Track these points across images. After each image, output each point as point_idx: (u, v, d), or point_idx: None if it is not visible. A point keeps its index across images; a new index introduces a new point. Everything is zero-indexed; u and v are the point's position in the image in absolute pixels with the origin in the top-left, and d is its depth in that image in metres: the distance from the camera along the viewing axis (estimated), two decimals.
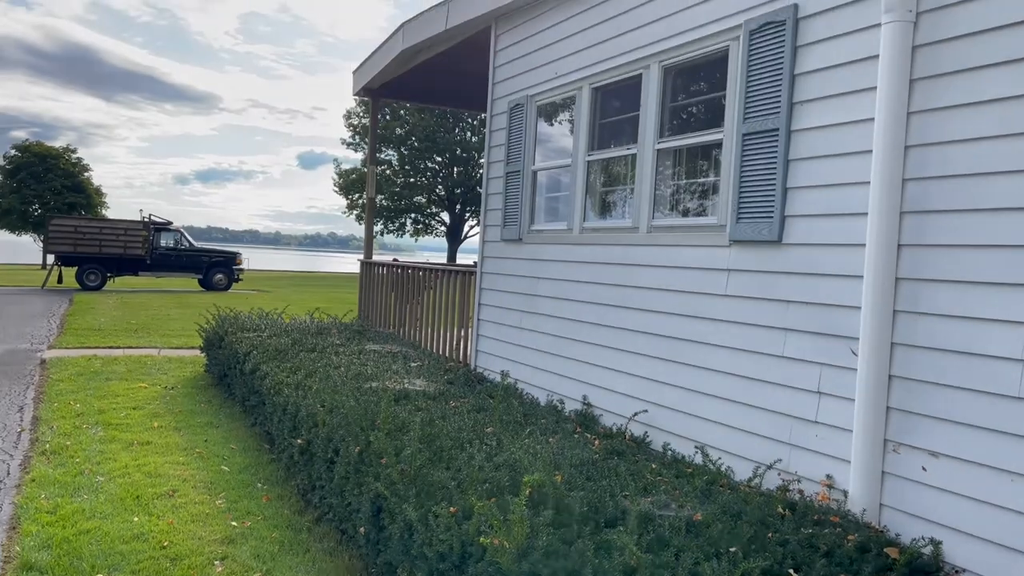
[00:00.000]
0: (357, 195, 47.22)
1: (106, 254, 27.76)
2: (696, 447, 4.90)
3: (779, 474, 4.38)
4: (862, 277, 3.94)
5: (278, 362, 7.29)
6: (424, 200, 47.41)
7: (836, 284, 4.17)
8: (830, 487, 4.09)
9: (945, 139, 3.68)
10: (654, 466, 4.56)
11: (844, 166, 4.16)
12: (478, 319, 8.11)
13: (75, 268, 27.76)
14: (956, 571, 3.48)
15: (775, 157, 4.56)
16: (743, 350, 4.74)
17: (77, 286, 27.36)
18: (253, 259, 67.56)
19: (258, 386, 7.10)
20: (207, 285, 29.75)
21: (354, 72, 11.71)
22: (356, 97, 11.79)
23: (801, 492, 4.18)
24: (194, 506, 5.39)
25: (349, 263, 73.50)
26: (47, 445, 6.71)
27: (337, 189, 48.93)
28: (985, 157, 3.52)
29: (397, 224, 49.10)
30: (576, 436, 5.15)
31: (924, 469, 3.68)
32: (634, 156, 5.84)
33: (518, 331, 7.28)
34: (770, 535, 3.50)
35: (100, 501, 5.35)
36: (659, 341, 5.41)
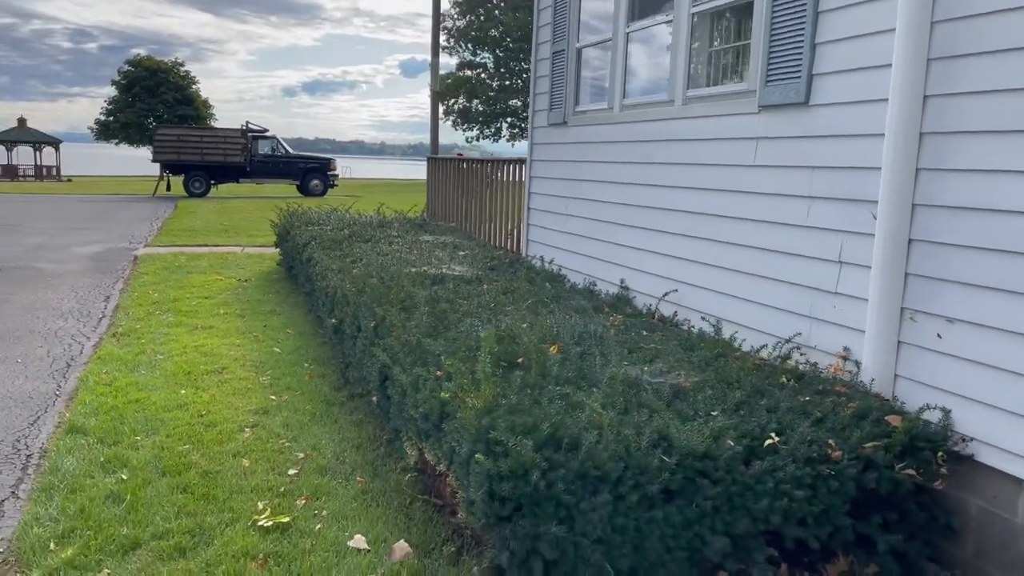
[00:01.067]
0: (453, 100, 46.97)
1: (208, 162, 28.86)
2: (715, 322, 4.77)
3: (799, 348, 4.21)
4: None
5: (331, 251, 7.46)
6: (520, 103, 46.67)
7: (860, 145, 3.88)
8: (844, 359, 3.90)
9: None
10: (666, 339, 4.46)
11: (872, 12, 3.80)
12: (528, 208, 8.02)
13: (182, 176, 29.04)
14: (964, 439, 3.30)
15: (804, 10, 4.21)
16: (769, 222, 4.51)
17: (184, 194, 28.64)
18: (355, 168, 68.98)
19: (312, 273, 7.31)
20: (304, 191, 30.58)
21: None
22: None
23: (815, 364, 4.02)
24: (239, 381, 5.67)
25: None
26: (120, 328, 7.16)
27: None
28: None
29: (493, 129, 48.71)
30: (601, 315, 5.08)
31: (939, 336, 3.46)
32: (671, 24, 5.52)
33: (564, 218, 7.16)
34: (762, 402, 3.40)
35: (154, 376, 5.70)
36: (691, 218, 5.22)
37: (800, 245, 4.27)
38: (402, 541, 3.42)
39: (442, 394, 3.09)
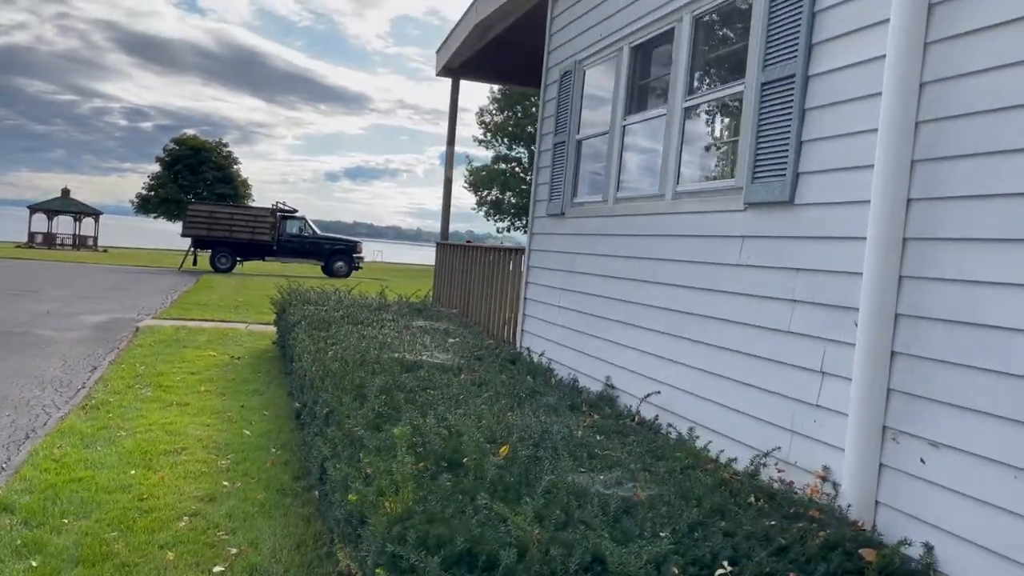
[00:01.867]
0: (487, 191, 47.69)
1: (236, 238, 29.25)
2: (691, 428, 4.44)
3: (776, 464, 3.86)
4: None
5: (316, 331, 7.25)
6: None
7: (844, 248, 3.62)
8: (823, 479, 3.54)
9: (964, 71, 3.08)
10: (635, 445, 4.13)
11: (857, 111, 3.60)
12: (524, 298, 7.81)
13: (209, 252, 29.43)
14: None
15: (791, 106, 4.03)
16: (752, 325, 4.23)
17: (210, 269, 28.93)
18: (388, 252, 69.77)
19: (292, 354, 7.09)
20: (328, 271, 30.78)
21: (437, 51, 11.64)
22: (439, 76, 11.70)
23: (791, 483, 3.66)
24: (195, 464, 5.39)
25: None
26: (94, 400, 6.95)
27: (467, 185, 49.53)
28: (999, 91, 2.91)
29: (524, 221, 49.10)
30: (574, 415, 4.77)
31: (922, 461, 3.10)
32: (665, 119, 5.38)
33: (557, 310, 6.93)
34: (721, 524, 3.04)
35: (108, 453, 5.44)
36: (677, 317, 4.95)
37: (783, 352, 3.97)
38: None
39: (350, 496, 2.79)
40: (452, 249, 11.23)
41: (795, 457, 3.79)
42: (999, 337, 2.84)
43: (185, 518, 4.42)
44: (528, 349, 7.32)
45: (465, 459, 3.37)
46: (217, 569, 3.83)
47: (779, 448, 3.88)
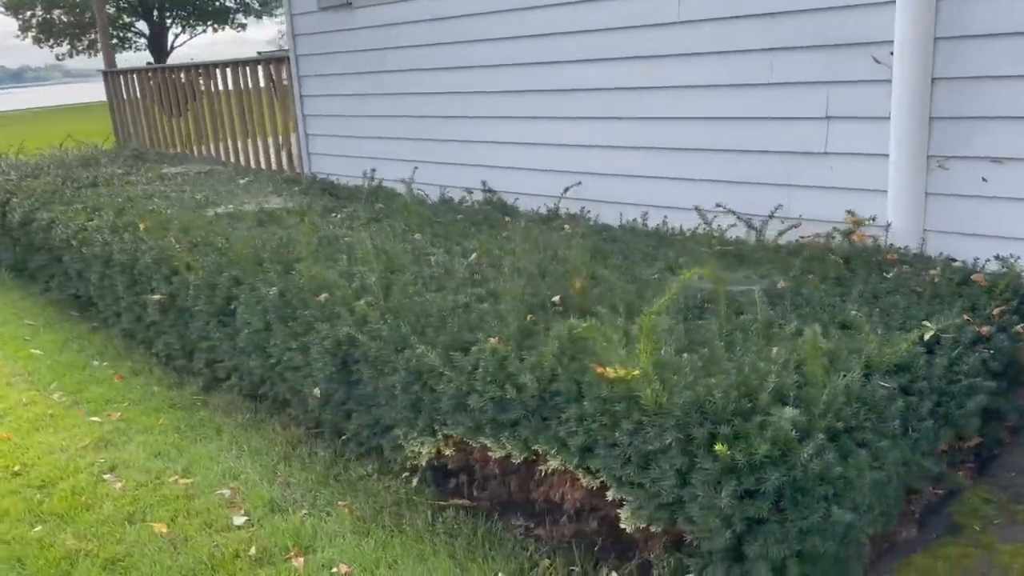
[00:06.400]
0: (30, 12, 39.29)
1: None
2: (644, 212, 4.19)
3: (781, 222, 3.77)
4: None
5: (60, 205, 5.50)
6: (113, 9, 40.06)
7: None
8: (857, 224, 3.54)
9: None
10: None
11: None
12: (303, 115, 6.65)
13: None
14: None
15: None
16: (711, 86, 3.95)
17: None
18: None
19: (44, 240, 5.34)
20: None
21: None
22: None
23: (816, 236, 3.59)
24: (25, 408, 3.92)
25: (41, 97, 61.54)
26: None
27: (3, 9, 40.28)
28: None
29: (86, 42, 41.64)
30: (495, 229, 4.22)
31: (984, 180, 3.20)
32: None
33: (369, 120, 5.99)
34: (859, 289, 2.90)
35: None
36: (592, 98, 4.47)
37: (765, 108, 3.78)
38: None
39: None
40: (132, 78, 9.13)
41: (801, 211, 3.73)
42: None
43: (106, 475, 3.22)
44: (330, 174, 6.34)
45: None
46: (239, 521, 2.87)
47: (780, 206, 3.79)
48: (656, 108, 4.20)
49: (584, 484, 2.26)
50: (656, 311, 2.06)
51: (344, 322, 2.94)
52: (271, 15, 50.31)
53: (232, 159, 7.82)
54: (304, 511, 2.95)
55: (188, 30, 42.00)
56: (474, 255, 3.48)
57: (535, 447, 2.37)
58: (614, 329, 2.21)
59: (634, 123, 4.30)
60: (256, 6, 42.38)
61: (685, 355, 2.17)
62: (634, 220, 4.16)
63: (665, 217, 4.08)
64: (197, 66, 8.44)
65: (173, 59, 41.17)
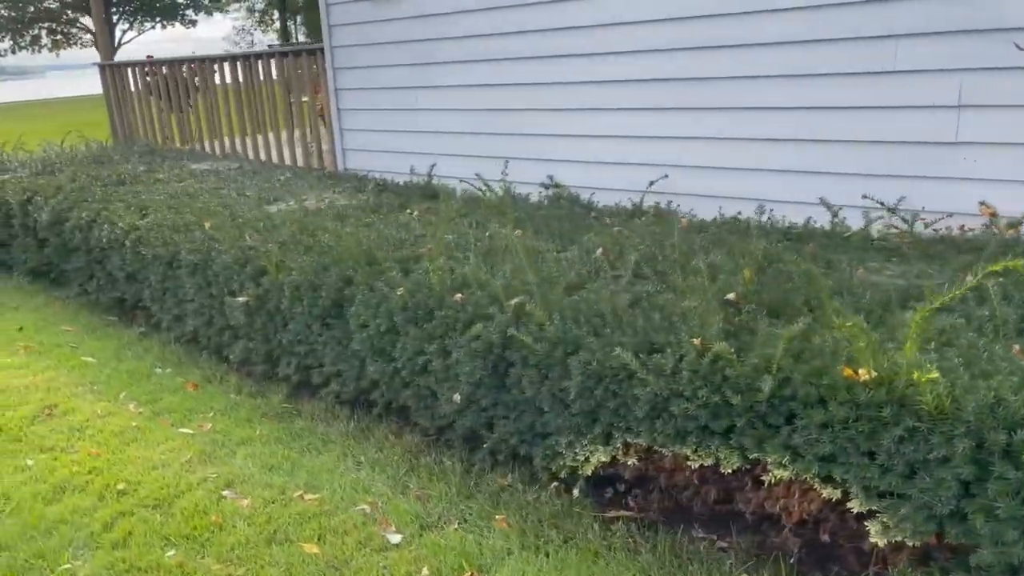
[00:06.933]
0: None
1: None
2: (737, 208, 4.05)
3: (900, 216, 3.65)
4: None
5: (95, 203, 5.18)
6: (57, 4, 38.63)
7: None
8: (992, 216, 3.46)
9: None
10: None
11: None
12: (337, 108, 6.39)
13: None
14: None
15: None
16: (832, 74, 3.84)
17: None
18: None
19: (83, 241, 5.02)
20: None
21: None
22: None
23: (962, 228, 3.49)
24: (103, 420, 3.64)
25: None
26: None
27: None
28: None
29: (28, 38, 40.07)
30: (599, 228, 4.06)
31: None
32: None
33: (416, 115, 5.78)
34: None
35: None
36: (691, 88, 4.33)
37: (888, 96, 3.67)
38: None
39: None
40: (134, 72, 8.74)
41: (925, 203, 3.62)
42: None
43: (225, 492, 2.98)
44: (368, 171, 6.10)
45: None
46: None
47: (903, 198, 3.68)
48: (770, 98, 4.06)
49: (823, 495, 2.11)
50: (939, 305, 1.92)
51: (498, 323, 2.75)
52: (223, 11, 49.24)
53: (252, 155, 7.51)
54: (454, 526, 2.76)
55: (136, 26, 40.85)
56: (599, 250, 3.31)
57: (754, 455, 2.22)
58: (861, 330, 2.06)
59: (743, 113, 4.16)
60: (206, 2, 41.47)
61: (944, 355, 2.04)
62: (739, 213, 4.02)
63: (771, 211, 3.95)
64: (209, 59, 8.10)
65: (121, 55, 39.88)
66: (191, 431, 3.53)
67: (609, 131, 4.70)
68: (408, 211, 4.48)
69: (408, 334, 3.04)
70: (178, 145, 8.25)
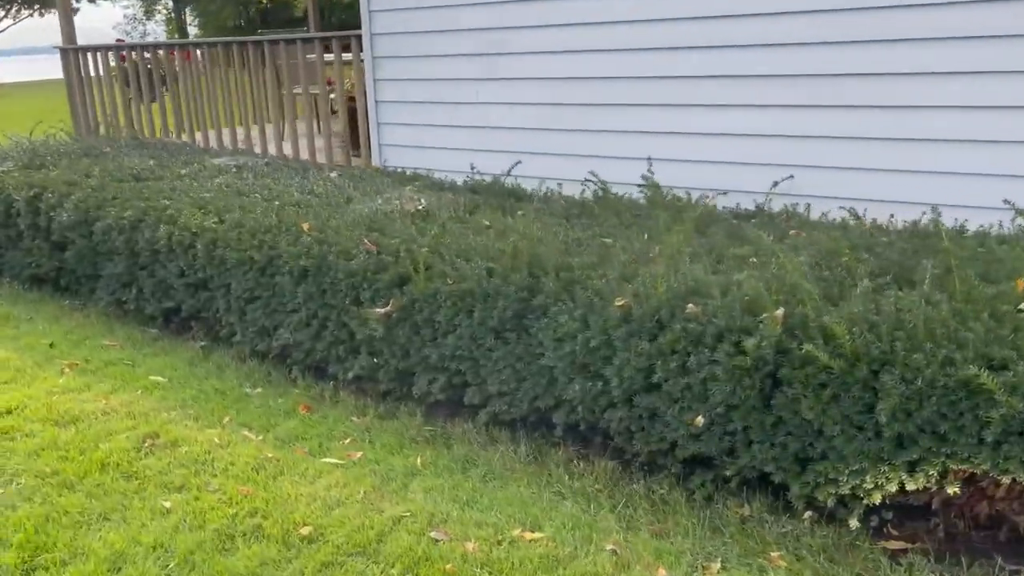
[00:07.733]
0: None
1: None
2: (864, 208, 3.90)
3: None
4: None
5: (136, 201, 4.56)
6: None
7: None
8: None
9: None
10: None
11: None
12: (375, 101, 5.93)
13: None
14: None
15: None
16: (977, 73, 3.72)
17: None
18: None
19: (125, 244, 4.41)
20: None
21: None
22: None
23: None
24: (226, 451, 3.12)
25: None
26: None
27: None
28: None
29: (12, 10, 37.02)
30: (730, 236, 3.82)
31: None
32: None
33: (471, 108, 5.40)
34: None
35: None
36: (825, 85, 4.12)
37: None
38: None
39: None
40: (106, 56, 7.95)
41: None
42: None
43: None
44: (407, 167, 5.68)
45: None
46: None
47: None
48: (932, 96, 3.90)
49: None
50: None
51: (768, 336, 2.46)
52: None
53: (259, 149, 6.91)
54: (717, 565, 2.46)
55: (12, 14, 38.26)
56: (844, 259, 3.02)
57: None
58: None
59: (890, 112, 3.99)
60: None
61: None
62: (893, 217, 3.86)
63: (923, 214, 3.80)
64: (189, 44, 7.44)
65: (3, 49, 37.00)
66: (338, 460, 3.08)
67: (724, 129, 4.47)
68: (520, 212, 4.12)
69: (631, 349, 2.71)
70: (179, 139, 7.51)
